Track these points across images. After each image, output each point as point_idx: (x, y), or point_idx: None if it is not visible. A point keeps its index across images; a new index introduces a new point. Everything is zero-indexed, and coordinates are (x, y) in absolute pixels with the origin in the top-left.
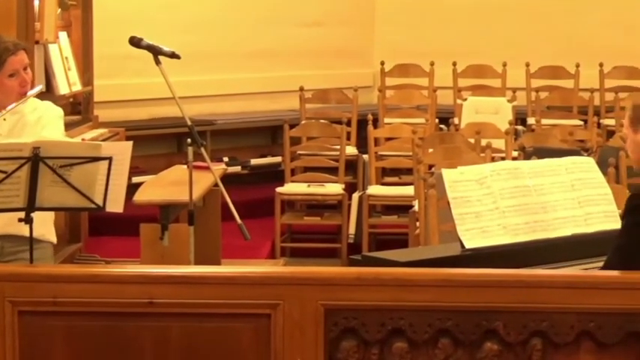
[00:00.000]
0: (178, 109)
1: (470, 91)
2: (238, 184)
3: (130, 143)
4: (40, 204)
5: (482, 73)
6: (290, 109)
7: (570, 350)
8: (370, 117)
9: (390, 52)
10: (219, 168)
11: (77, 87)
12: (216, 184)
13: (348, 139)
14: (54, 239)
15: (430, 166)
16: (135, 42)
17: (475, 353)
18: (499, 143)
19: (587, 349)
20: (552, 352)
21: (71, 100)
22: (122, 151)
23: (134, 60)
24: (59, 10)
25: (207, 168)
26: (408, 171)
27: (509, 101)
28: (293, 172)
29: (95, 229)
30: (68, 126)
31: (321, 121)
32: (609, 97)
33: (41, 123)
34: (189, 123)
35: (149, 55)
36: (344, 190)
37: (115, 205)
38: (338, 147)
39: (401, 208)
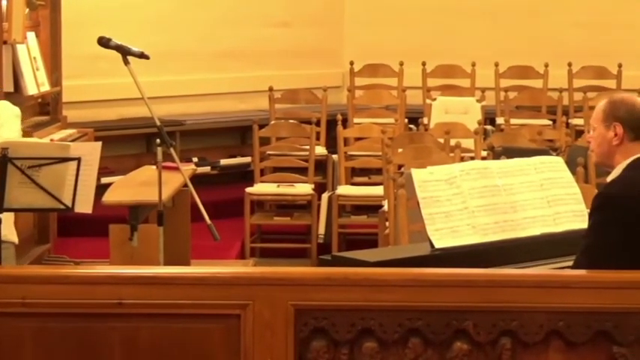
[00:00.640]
0: (147, 110)
1: (439, 91)
2: (208, 185)
3: (99, 144)
4: (8, 205)
5: (452, 73)
6: (259, 110)
7: (539, 349)
8: (339, 117)
9: (360, 52)
10: (188, 168)
11: (45, 87)
12: (185, 185)
13: (318, 139)
14: (16, 239)
15: (400, 166)
16: (103, 42)
17: (445, 353)
18: (468, 143)
19: (556, 348)
20: (522, 351)
21: (39, 100)
22: (91, 151)
23: (103, 60)
24: (27, 10)
25: (177, 168)
26: (378, 171)
27: (478, 101)
28: (262, 172)
29: (64, 229)
30: (36, 126)
31: (291, 121)
32: (578, 96)
33: None
34: (158, 123)
35: (118, 56)
36: (313, 190)
37: (84, 205)
38: (307, 147)
39: (370, 208)
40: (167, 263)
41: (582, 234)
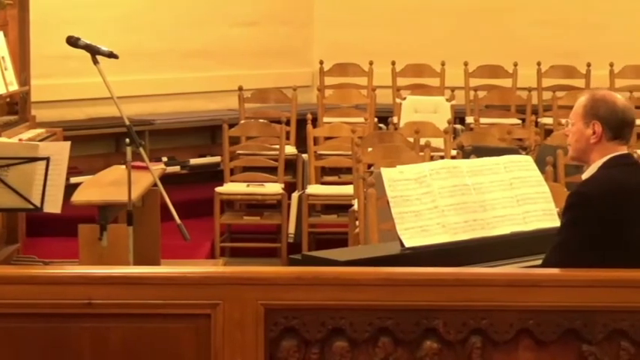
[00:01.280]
0: (117, 109)
1: (409, 90)
2: (177, 184)
3: (68, 143)
4: None
5: (421, 73)
6: (229, 109)
7: (509, 348)
8: (309, 116)
9: (329, 51)
10: (157, 168)
11: (14, 87)
12: (155, 184)
13: (288, 138)
14: None
15: (369, 165)
16: (72, 42)
17: (415, 352)
18: (438, 142)
19: (526, 347)
20: (492, 349)
21: (8, 100)
22: (60, 151)
23: (72, 60)
24: None
25: (146, 168)
26: (348, 170)
27: (447, 100)
28: (232, 171)
29: (33, 229)
30: (5, 126)
31: (260, 120)
32: (547, 95)
33: None
34: (127, 123)
35: (87, 55)
36: (283, 189)
37: (53, 205)
38: (277, 146)
39: (340, 207)
40: (137, 263)
41: (552, 232)
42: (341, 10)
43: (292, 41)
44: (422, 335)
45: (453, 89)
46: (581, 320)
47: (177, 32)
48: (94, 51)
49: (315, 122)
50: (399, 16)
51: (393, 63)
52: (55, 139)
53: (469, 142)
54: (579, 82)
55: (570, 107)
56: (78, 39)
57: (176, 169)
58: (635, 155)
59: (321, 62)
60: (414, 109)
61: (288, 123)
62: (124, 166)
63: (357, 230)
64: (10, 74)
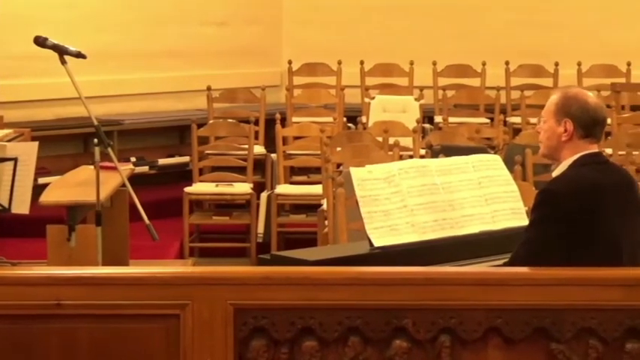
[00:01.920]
0: (85, 109)
1: (377, 89)
2: (146, 184)
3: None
4: None
5: (390, 72)
6: (198, 109)
7: (478, 346)
8: (278, 116)
9: (298, 51)
10: (126, 168)
11: None
12: (123, 185)
13: (256, 138)
14: None
15: (338, 165)
16: (40, 42)
17: (384, 351)
18: (407, 141)
19: (495, 345)
20: (461, 348)
21: None
22: (28, 151)
23: (39, 60)
24: None
25: (115, 168)
26: (317, 170)
27: (416, 99)
28: (201, 171)
29: (1, 230)
30: None
31: (229, 120)
32: (515, 95)
33: None
34: (95, 123)
35: (55, 55)
36: (252, 189)
37: (21, 206)
38: (246, 146)
39: (309, 207)
40: (105, 263)
41: (521, 231)
42: (309, 9)
43: (261, 41)
44: (391, 334)
45: (421, 89)
46: (550, 319)
47: (146, 32)
48: (61, 51)
49: (283, 122)
50: (367, 16)
51: (362, 62)
52: (23, 139)
53: (438, 141)
54: (547, 82)
55: (539, 106)
56: (46, 39)
57: (145, 169)
58: (605, 154)
59: (290, 62)
60: (382, 108)
61: (256, 123)
62: (92, 167)
63: (326, 230)
64: None
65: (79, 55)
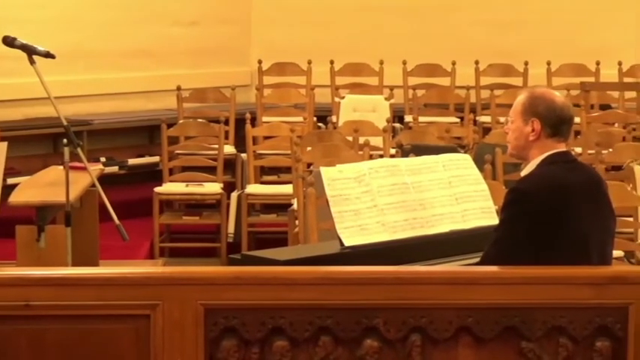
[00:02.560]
0: (54, 109)
1: (347, 89)
2: (116, 185)
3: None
4: None
5: (360, 72)
6: (167, 109)
7: (449, 345)
8: (248, 116)
9: (268, 50)
10: (96, 168)
11: None
12: (93, 185)
13: (227, 138)
14: None
15: (309, 165)
16: (8, 41)
17: (355, 350)
18: (377, 141)
19: (466, 344)
20: (431, 347)
21: None
22: None
23: (8, 60)
24: None
25: (84, 168)
26: (287, 169)
27: (386, 99)
28: (171, 171)
29: None
30: None
31: (199, 120)
32: (485, 94)
33: None
34: (65, 123)
35: (23, 55)
36: (222, 189)
37: None
38: (216, 146)
39: (280, 206)
40: (75, 264)
41: (491, 230)
42: (279, 9)
43: (230, 41)
44: (362, 334)
45: (391, 88)
46: (520, 317)
47: (115, 32)
48: (30, 51)
49: (253, 122)
50: (337, 15)
51: (332, 62)
52: None
53: (408, 140)
54: (517, 81)
55: (508, 105)
56: (14, 39)
57: (114, 169)
58: (573, 152)
59: (260, 62)
60: (352, 108)
61: (226, 122)
62: (61, 167)
63: (296, 229)
64: None
65: (47, 55)
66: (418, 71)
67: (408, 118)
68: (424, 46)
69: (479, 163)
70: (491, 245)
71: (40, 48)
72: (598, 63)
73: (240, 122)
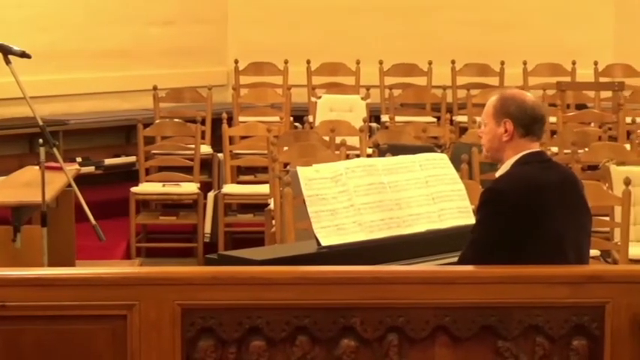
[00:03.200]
0: (30, 109)
1: (324, 88)
2: (92, 185)
3: None
4: None
5: (336, 71)
6: (144, 109)
7: (426, 345)
8: (225, 116)
9: (244, 50)
10: (72, 168)
11: None
12: (69, 185)
13: (203, 138)
14: None
15: (285, 164)
16: None
17: (332, 350)
18: (353, 141)
19: (443, 344)
20: (408, 347)
21: None
22: None
23: None
24: None
25: (60, 168)
26: (264, 169)
27: (363, 99)
28: (148, 171)
29: None
30: None
31: (175, 120)
32: (461, 94)
33: None
34: (40, 123)
35: None
36: (199, 189)
37: None
38: (193, 146)
39: (257, 206)
40: (51, 264)
41: (468, 230)
42: (256, 8)
43: (207, 40)
44: (339, 333)
45: (368, 88)
46: (497, 316)
47: (92, 31)
48: (5, 51)
49: (230, 121)
50: (313, 15)
51: (308, 62)
52: None
53: (385, 140)
54: (493, 80)
55: (485, 105)
56: None
57: (91, 169)
58: (548, 152)
59: (236, 61)
60: (329, 107)
61: (203, 122)
62: (37, 167)
63: (273, 229)
64: None
65: (23, 55)
66: (395, 71)
67: (384, 118)
68: (400, 46)
69: (455, 162)
70: (468, 246)
71: (16, 48)
72: (574, 63)
73: (216, 122)
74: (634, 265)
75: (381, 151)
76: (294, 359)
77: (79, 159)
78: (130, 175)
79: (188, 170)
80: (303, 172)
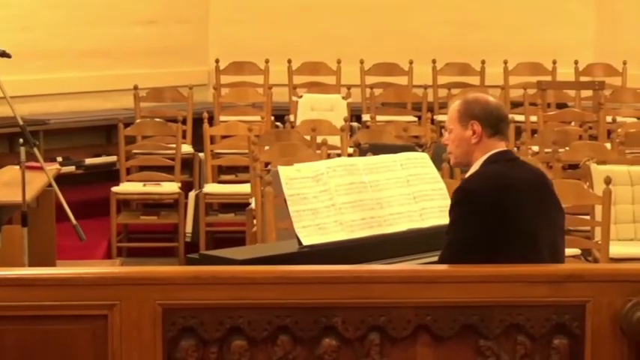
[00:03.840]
0: (10, 109)
1: (305, 88)
2: (73, 184)
3: None
4: None
5: (317, 71)
6: (124, 108)
7: (408, 344)
8: (206, 115)
9: (225, 49)
10: (52, 168)
11: None
12: (50, 185)
13: (184, 137)
14: None
15: (266, 164)
16: None
17: (314, 349)
18: (335, 140)
19: (424, 343)
20: (390, 346)
21: None
22: None
23: None
24: None
25: (41, 168)
26: (245, 169)
27: (344, 98)
28: (128, 171)
29: None
30: None
31: (156, 119)
32: (442, 93)
33: None
34: (20, 123)
35: None
36: (180, 188)
37: None
38: (174, 145)
39: (238, 205)
40: (32, 264)
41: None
42: (237, 8)
43: (188, 40)
44: (320, 333)
45: (349, 87)
46: (478, 315)
47: (72, 31)
48: None
49: (211, 121)
50: (294, 14)
51: (289, 61)
52: None
53: (366, 139)
54: (474, 80)
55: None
56: None
57: (71, 169)
58: (514, 151)
59: (217, 61)
60: (310, 107)
61: (184, 122)
62: (18, 167)
63: (254, 229)
64: None
65: (3, 55)
66: (375, 70)
67: (365, 117)
68: (381, 45)
69: (436, 161)
70: (445, 248)
71: None
72: (554, 62)
73: (197, 121)
74: (614, 264)
75: (362, 151)
76: (276, 359)
77: (59, 159)
78: (111, 175)
79: (169, 170)
80: (284, 172)
